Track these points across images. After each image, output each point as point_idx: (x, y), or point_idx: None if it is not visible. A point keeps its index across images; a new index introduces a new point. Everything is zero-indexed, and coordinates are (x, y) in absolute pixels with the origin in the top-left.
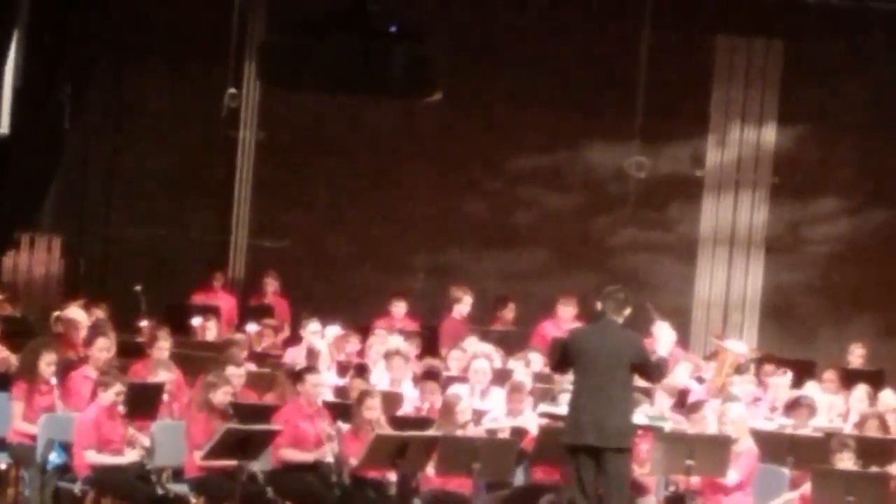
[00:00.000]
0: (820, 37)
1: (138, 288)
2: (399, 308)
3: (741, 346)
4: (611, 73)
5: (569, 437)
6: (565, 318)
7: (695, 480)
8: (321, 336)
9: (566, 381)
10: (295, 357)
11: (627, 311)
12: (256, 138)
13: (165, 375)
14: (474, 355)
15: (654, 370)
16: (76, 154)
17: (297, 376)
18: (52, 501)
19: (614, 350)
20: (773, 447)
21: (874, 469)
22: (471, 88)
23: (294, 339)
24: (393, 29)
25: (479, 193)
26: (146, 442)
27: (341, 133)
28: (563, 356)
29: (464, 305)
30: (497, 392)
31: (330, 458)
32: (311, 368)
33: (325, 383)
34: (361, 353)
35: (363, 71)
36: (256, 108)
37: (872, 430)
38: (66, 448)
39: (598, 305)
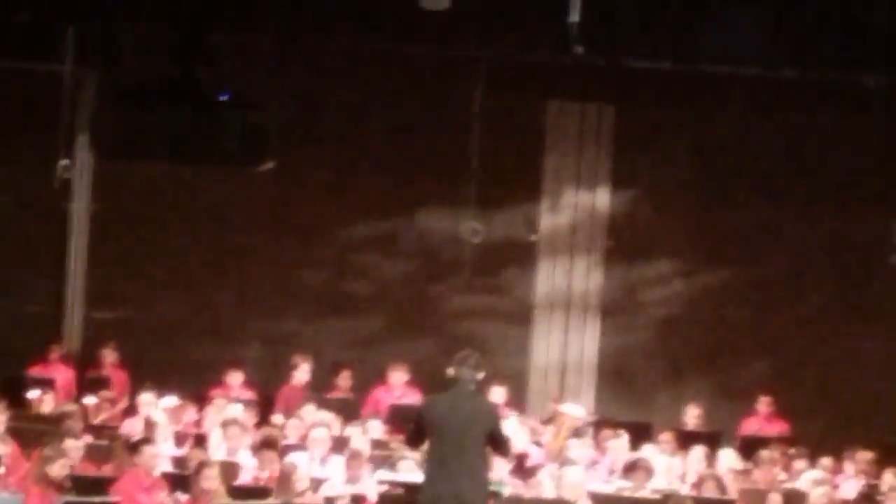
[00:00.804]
0: (651, 101)
1: None
2: (235, 377)
3: (578, 409)
4: (444, 138)
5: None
6: (397, 385)
7: None
8: (156, 407)
9: (404, 447)
10: (132, 428)
11: (481, 376)
12: (91, 209)
13: (1, 449)
14: (313, 423)
15: (506, 445)
16: None
17: (133, 447)
18: None
19: (469, 418)
20: None
21: None
22: (306, 156)
23: (132, 410)
24: (225, 97)
25: (315, 261)
26: None
27: (177, 202)
28: (417, 429)
29: (302, 373)
30: (336, 460)
31: None
32: (147, 439)
33: (163, 454)
34: (199, 423)
35: (196, 140)
36: (90, 178)
37: (710, 491)
38: None
39: (451, 371)
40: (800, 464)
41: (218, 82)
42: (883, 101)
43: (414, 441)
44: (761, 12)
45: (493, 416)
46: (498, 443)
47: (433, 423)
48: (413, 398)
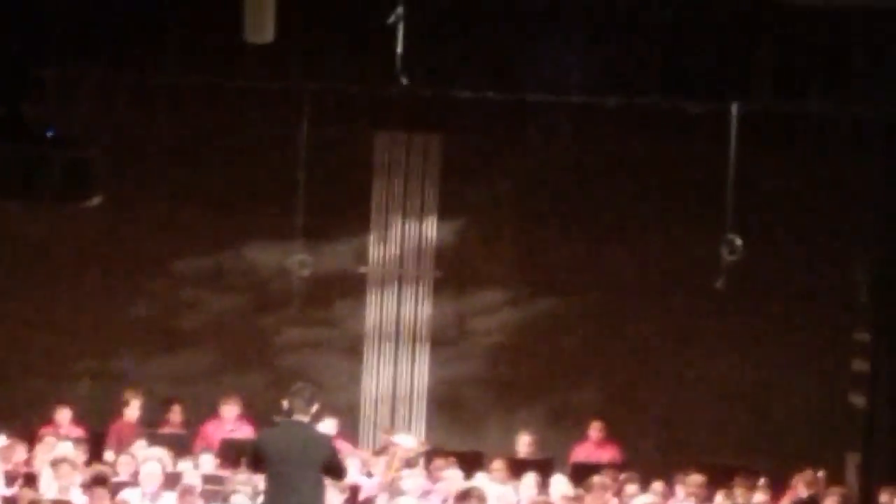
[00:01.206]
0: (477, 130)
1: None
2: (64, 415)
3: (410, 439)
4: (270, 170)
5: None
6: (228, 419)
7: None
8: None
9: (238, 480)
10: None
11: (315, 408)
12: None
13: None
14: (144, 459)
15: (342, 471)
16: None
17: None
18: None
19: (304, 450)
20: None
21: None
22: (131, 191)
23: None
24: (50, 133)
25: (143, 296)
26: None
27: (5, 236)
28: (255, 459)
29: (132, 409)
30: (168, 495)
31: None
32: None
33: None
34: (29, 462)
35: (19, 177)
36: None
37: None
38: None
39: (285, 404)
40: (631, 488)
41: (43, 118)
42: (705, 127)
43: (255, 469)
44: (584, 41)
45: (327, 446)
46: (334, 471)
47: (268, 456)
48: (245, 431)
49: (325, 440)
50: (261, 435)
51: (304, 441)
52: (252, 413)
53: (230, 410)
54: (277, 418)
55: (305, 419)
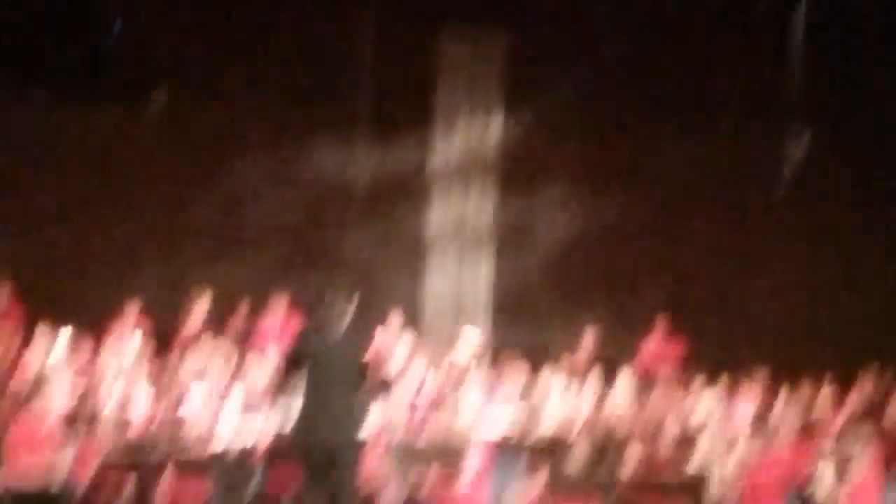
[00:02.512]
0: (542, 26)
1: None
2: (132, 309)
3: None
4: (335, 68)
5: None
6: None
7: None
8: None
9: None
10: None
11: (353, 307)
12: None
13: None
14: (210, 356)
15: (380, 374)
16: None
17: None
18: None
19: (342, 350)
20: None
21: None
22: (196, 88)
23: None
24: (116, 30)
25: (208, 195)
26: None
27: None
28: (291, 360)
29: (198, 309)
30: (235, 392)
31: None
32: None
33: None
34: (95, 356)
35: (86, 73)
36: None
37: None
38: None
39: (325, 299)
40: (697, 384)
41: (110, 14)
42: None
43: (291, 371)
44: None
45: (364, 344)
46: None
47: (307, 356)
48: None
49: (363, 338)
50: (300, 333)
51: (343, 341)
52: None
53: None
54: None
55: (345, 318)
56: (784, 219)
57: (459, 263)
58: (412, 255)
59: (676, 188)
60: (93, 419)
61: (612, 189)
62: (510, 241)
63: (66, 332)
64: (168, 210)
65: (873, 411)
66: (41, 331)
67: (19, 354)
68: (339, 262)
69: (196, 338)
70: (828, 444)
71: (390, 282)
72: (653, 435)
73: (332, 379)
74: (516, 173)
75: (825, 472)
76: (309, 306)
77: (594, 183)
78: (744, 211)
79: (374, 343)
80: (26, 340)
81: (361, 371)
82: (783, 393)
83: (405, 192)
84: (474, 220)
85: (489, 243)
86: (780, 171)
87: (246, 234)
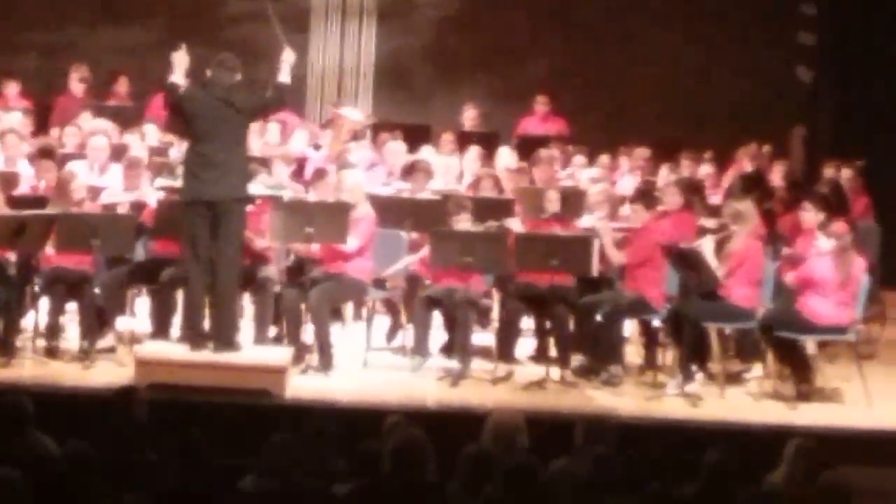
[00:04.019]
0: None
1: None
2: (11, 88)
3: (357, 113)
4: None
5: (187, 195)
6: None
7: (315, 248)
8: None
9: (183, 153)
10: None
11: (238, 78)
12: None
13: None
14: (91, 132)
15: (272, 101)
16: None
17: None
18: None
19: (224, 107)
20: (392, 212)
21: (491, 226)
22: None
23: None
24: None
25: None
26: None
27: None
28: (173, 113)
29: (78, 82)
30: (116, 168)
31: None
32: None
33: None
34: None
35: None
36: None
37: (487, 190)
38: None
39: (208, 73)
40: (578, 160)
41: None
42: None
43: (174, 127)
44: None
45: (243, 90)
46: (263, 106)
47: (190, 113)
48: None
49: (240, 86)
50: (185, 90)
51: (223, 98)
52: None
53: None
54: None
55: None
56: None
57: (341, 37)
58: (295, 29)
59: None
60: None
61: None
62: (392, 13)
63: None
64: None
65: (750, 187)
66: None
67: None
68: (221, 36)
69: (76, 113)
70: (707, 217)
71: (274, 55)
72: (536, 203)
73: (218, 138)
74: None
75: (706, 245)
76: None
77: None
78: None
79: (257, 116)
80: None
81: (258, 109)
82: (664, 169)
83: None
84: None
85: (372, 16)
86: None
87: (129, 7)
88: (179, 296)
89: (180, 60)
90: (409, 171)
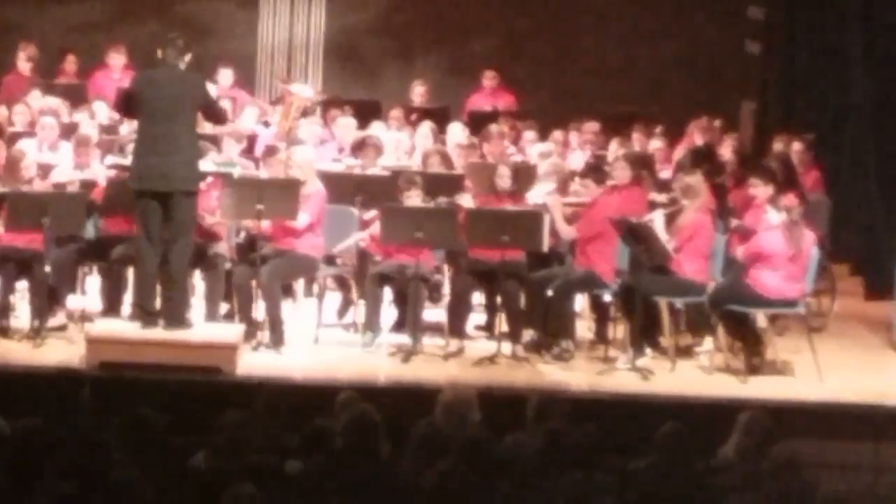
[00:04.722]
0: None
1: None
2: None
3: (307, 89)
4: None
5: (136, 184)
6: (116, 68)
7: (266, 225)
8: None
9: (133, 130)
10: None
11: (188, 58)
12: None
13: None
14: (41, 110)
15: (220, 112)
16: None
17: None
18: None
19: (178, 94)
20: (342, 188)
21: (442, 202)
22: None
23: None
24: None
25: None
26: None
27: None
28: (127, 98)
29: (25, 60)
30: (66, 146)
31: None
32: None
33: None
34: None
35: None
36: None
37: (437, 166)
38: None
39: (159, 53)
40: (529, 135)
41: None
42: None
43: (122, 109)
44: None
45: (202, 89)
46: (212, 111)
47: (142, 100)
48: None
49: (199, 81)
50: (140, 75)
51: (178, 85)
52: (142, 63)
53: (117, 59)
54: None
55: (180, 67)
56: None
57: (291, 12)
58: (244, 5)
59: None
60: None
61: None
62: None
63: None
64: None
65: (700, 161)
66: None
67: None
68: (171, 12)
69: (25, 91)
70: (658, 191)
71: (223, 31)
72: (486, 179)
73: (168, 118)
74: None
75: (656, 219)
76: (139, 58)
77: None
78: None
79: (208, 93)
80: None
81: (207, 113)
82: (614, 143)
83: None
84: None
85: None
86: None
87: None
88: (130, 274)
89: None
90: (360, 147)
